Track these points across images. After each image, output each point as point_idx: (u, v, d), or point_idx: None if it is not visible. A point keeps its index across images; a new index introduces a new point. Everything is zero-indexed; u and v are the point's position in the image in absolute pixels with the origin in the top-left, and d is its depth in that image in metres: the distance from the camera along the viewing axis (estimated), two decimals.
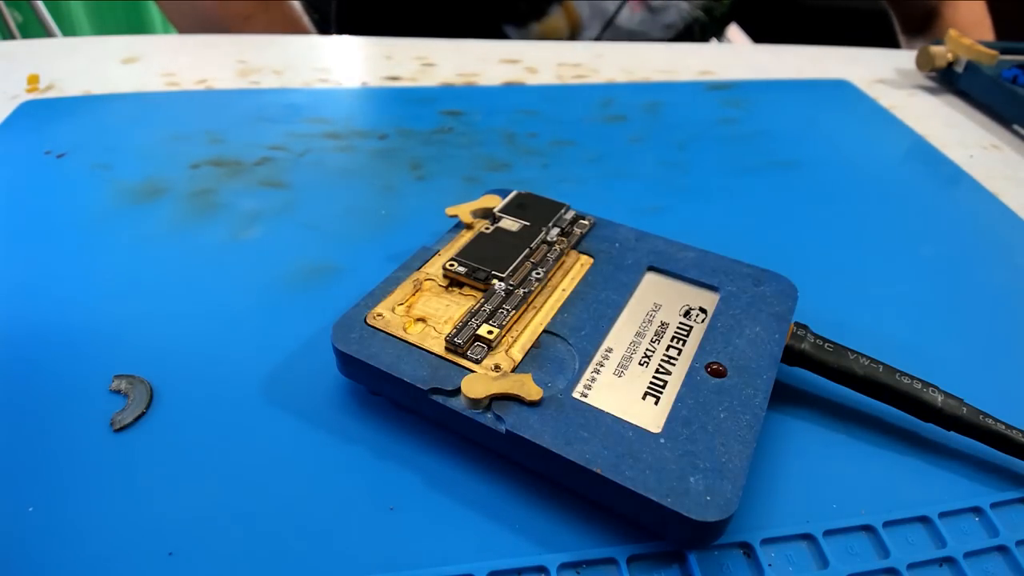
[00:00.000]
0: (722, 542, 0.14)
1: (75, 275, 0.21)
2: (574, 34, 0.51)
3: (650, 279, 0.19)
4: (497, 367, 0.16)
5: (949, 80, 0.37)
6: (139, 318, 0.19)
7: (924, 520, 0.15)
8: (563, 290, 0.18)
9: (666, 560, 0.14)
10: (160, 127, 0.29)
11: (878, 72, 0.39)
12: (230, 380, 0.17)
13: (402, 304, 0.17)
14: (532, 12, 0.50)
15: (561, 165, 0.28)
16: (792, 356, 0.17)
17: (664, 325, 0.18)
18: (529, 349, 0.16)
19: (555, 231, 0.20)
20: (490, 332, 0.16)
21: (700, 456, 0.14)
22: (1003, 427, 0.16)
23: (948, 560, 0.14)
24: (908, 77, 0.39)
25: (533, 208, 0.21)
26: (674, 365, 0.16)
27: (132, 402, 0.17)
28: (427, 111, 0.31)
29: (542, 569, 0.14)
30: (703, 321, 0.18)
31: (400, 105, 0.32)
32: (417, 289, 0.18)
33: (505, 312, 0.17)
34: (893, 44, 0.58)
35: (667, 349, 0.17)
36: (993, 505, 0.16)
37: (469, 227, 0.21)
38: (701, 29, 0.54)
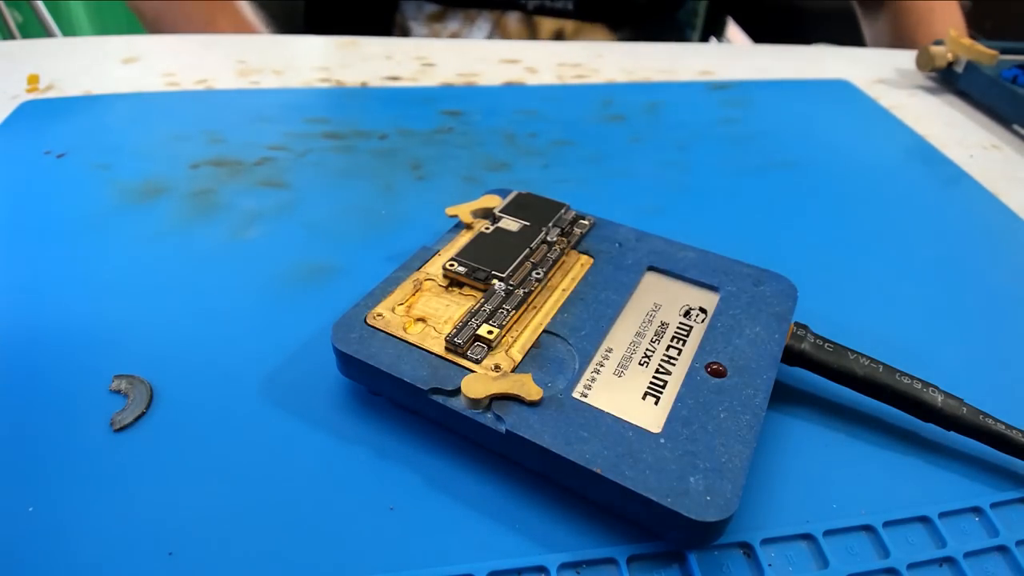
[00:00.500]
0: (722, 542, 0.14)
1: (75, 275, 0.21)
2: None
3: (650, 279, 0.19)
4: (497, 367, 0.16)
5: (949, 80, 0.37)
6: (139, 318, 0.19)
7: (924, 520, 0.15)
8: (563, 290, 0.18)
9: (666, 560, 0.14)
10: (160, 127, 0.29)
11: (878, 72, 0.39)
12: (230, 380, 0.17)
13: (402, 304, 0.17)
14: None
15: (561, 165, 0.28)
16: (792, 356, 0.17)
17: (664, 325, 0.18)
18: (529, 349, 0.16)
19: (555, 231, 0.20)
20: (490, 332, 0.16)
21: (700, 456, 0.14)
22: (1003, 427, 0.16)
23: (948, 560, 0.14)
24: (908, 77, 0.39)
25: (533, 208, 0.21)
26: (674, 365, 0.16)
27: (132, 402, 0.17)
28: (427, 111, 0.31)
29: (542, 569, 0.14)
30: (703, 321, 0.18)
31: (400, 105, 0.32)
32: (417, 289, 0.18)
33: (505, 312, 0.17)
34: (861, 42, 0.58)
35: (667, 349, 0.17)
36: (993, 505, 0.16)
37: (469, 227, 0.21)
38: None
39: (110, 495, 0.15)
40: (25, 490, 0.15)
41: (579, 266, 0.19)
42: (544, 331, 0.17)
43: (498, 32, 0.52)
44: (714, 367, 0.16)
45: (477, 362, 0.16)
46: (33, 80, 0.32)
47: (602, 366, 0.16)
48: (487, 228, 0.20)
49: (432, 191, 0.26)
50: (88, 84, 0.32)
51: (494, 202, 0.21)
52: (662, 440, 0.14)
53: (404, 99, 0.32)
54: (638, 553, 0.14)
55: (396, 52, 0.38)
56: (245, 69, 0.35)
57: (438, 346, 0.16)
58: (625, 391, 0.16)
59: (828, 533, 0.15)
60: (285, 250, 0.22)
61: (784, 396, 0.18)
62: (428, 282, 0.18)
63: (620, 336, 0.17)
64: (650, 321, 0.18)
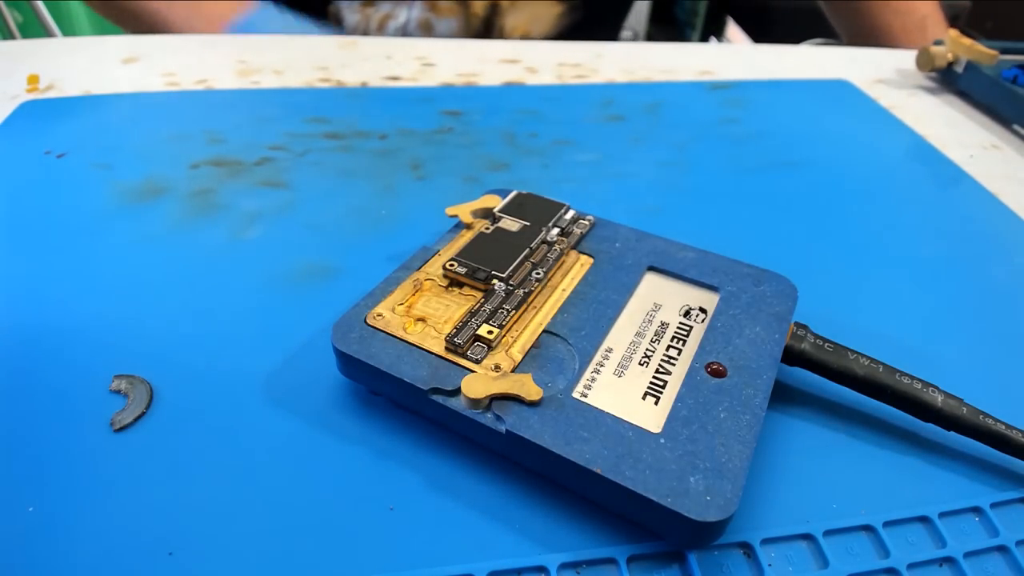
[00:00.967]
0: (722, 542, 0.14)
1: (75, 275, 0.21)
2: None
3: (650, 279, 0.19)
4: (497, 367, 0.16)
5: (949, 80, 0.37)
6: (139, 318, 0.19)
7: (924, 520, 0.15)
8: (563, 290, 0.18)
9: (666, 560, 0.14)
10: (160, 127, 0.29)
11: (878, 72, 0.39)
12: (230, 380, 0.17)
13: (402, 304, 0.17)
14: None
15: (561, 165, 0.28)
16: (792, 356, 0.17)
17: (664, 325, 0.18)
18: (529, 349, 0.16)
19: (555, 231, 0.20)
20: (490, 332, 0.16)
21: (700, 456, 0.14)
22: (1003, 427, 0.16)
23: (948, 560, 0.14)
24: (908, 77, 0.39)
25: (533, 208, 0.21)
26: (674, 365, 0.16)
27: (132, 402, 0.17)
28: (427, 111, 0.31)
29: (542, 569, 0.14)
30: (703, 321, 0.18)
31: (400, 105, 0.32)
32: (417, 289, 0.18)
33: (505, 312, 0.17)
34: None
35: (667, 349, 0.17)
36: (993, 505, 0.16)
37: (469, 227, 0.21)
38: None
39: (110, 495, 0.15)
40: (25, 490, 0.15)
41: (579, 266, 0.19)
42: (544, 331, 0.17)
43: (429, 9, 0.51)
44: (714, 367, 0.16)
45: (477, 362, 0.16)
46: (33, 80, 0.32)
47: (602, 366, 0.16)
48: (487, 228, 0.20)
49: (432, 191, 0.26)
50: (88, 84, 0.32)
51: (494, 202, 0.21)
52: (662, 440, 0.14)
53: (404, 99, 0.32)
54: (638, 553, 0.14)
55: (396, 52, 0.38)
56: (245, 69, 0.35)
57: (438, 346, 0.16)
58: (625, 391, 0.16)
59: (828, 533, 0.15)
60: (285, 250, 0.22)
61: (784, 396, 0.18)
62: (428, 282, 0.18)
63: (620, 336, 0.17)
64: (650, 321, 0.18)
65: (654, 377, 0.16)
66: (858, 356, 0.17)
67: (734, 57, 0.41)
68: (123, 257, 0.21)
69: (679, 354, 0.17)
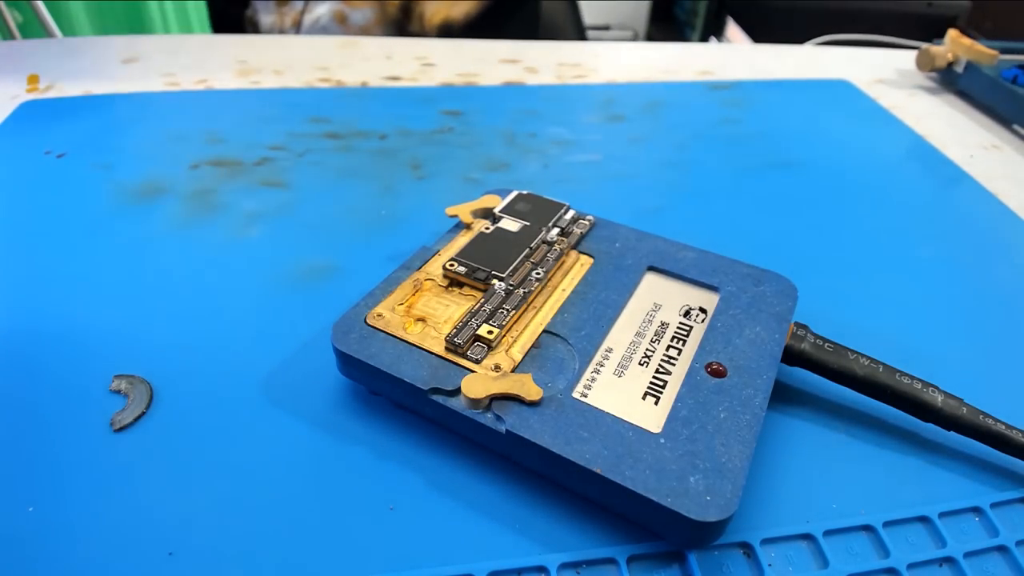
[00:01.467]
0: (722, 542, 0.14)
1: (75, 275, 0.21)
2: None
3: (650, 279, 0.19)
4: (497, 367, 0.16)
5: (949, 80, 0.37)
6: (139, 318, 0.19)
7: (924, 520, 0.15)
8: (563, 290, 0.18)
9: (666, 560, 0.14)
10: (160, 127, 0.29)
11: (878, 72, 0.39)
12: (230, 380, 0.17)
13: (402, 304, 0.17)
14: None
15: (561, 165, 0.28)
16: (792, 356, 0.17)
17: (664, 325, 0.18)
18: (529, 349, 0.16)
19: (555, 231, 0.20)
20: (490, 332, 0.16)
21: (700, 456, 0.14)
22: (1003, 427, 0.16)
23: (948, 560, 0.14)
24: (908, 77, 0.39)
25: (533, 208, 0.21)
26: (674, 365, 0.16)
27: (132, 402, 0.17)
28: (427, 111, 0.31)
29: (542, 569, 0.14)
30: (703, 321, 0.18)
31: (400, 105, 0.32)
32: (417, 289, 0.18)
33: (505, 312, 0.17)
34: None
35: (667, 349, 0.17)
36: (993, 505, 0.16)
37: (469, 227, 0.21)
38: None
39: (110, 495, 0.15)
40: (25, 490, 0.15)
41: (579, 266, 0.19)
42: (544, 331, 0.17)
43: (344, 2, 0.50)
44: (714, 367, 0.16)
45: (477, 362, 0.16)
46: (33, 80, 0.32)
47: (602, 366, 0.16)
48: (487, 228, 0.20)
49: (432, 191, 0.26)
50: (88, 84, 0.32)
51: (494, 202, 0.21)
52: (662, 440, 0.14)
53: (404, 99, 0.32)
54: (638, 553, 0.14)
55: (396, 52, 0.38)
56: (245, 69, 0.35)
57: (438, 346, 0.16)
58: (625, 391, 0.16)
59: (828, 533, 0.15)
60: (285, 250, 0.22)
61: (784, 396, 0.18)
62: (428, 282, 0.18)
63: (620, 336, 0.17)
64: (650, 321, 0.18)
65: (654, 377, 0.16)
66: (858, 356, 0.17)
67: (734, 57, 0.41)
68: (123, 257, 0.21)
69: (679, 354, 0.17)
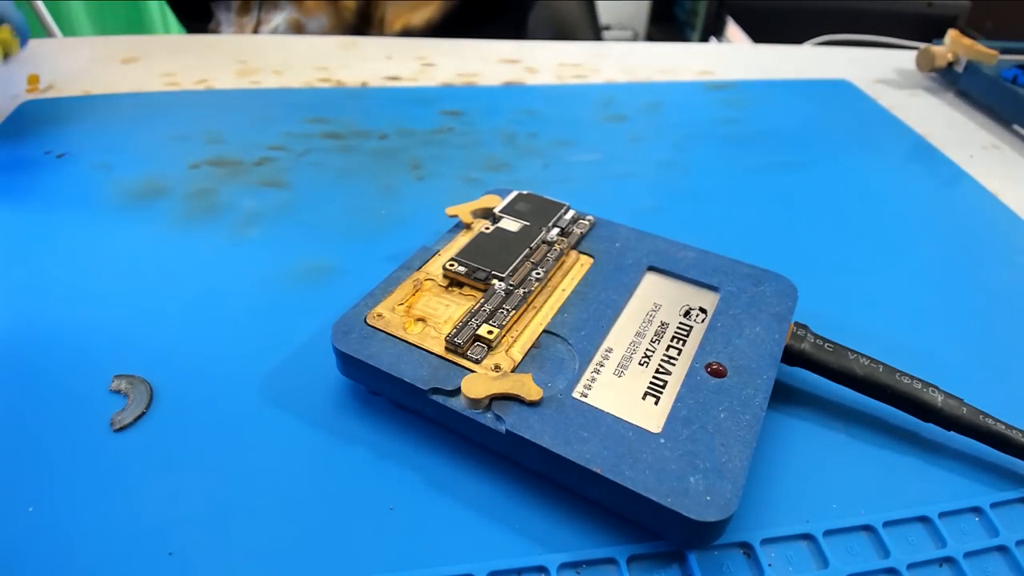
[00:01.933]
0: (722, 542, 0.14)
1: (75, 275, 0.21)
2: None
3: (650, 279, 0.19)
4: (497, 367, 0.16)
5: (949, 80, 0.37)
6: (139, 318, 0.19)
7: (924, 520, 0.15)
8: (563, 290, 0.18)
9: (666, 560, 0.14)
10: (160, 127, 0.29)
11: (878, 72, 0.39)
12: (230, 380, 0.17)
13: (402, 304, 0.17)
14: None
15: (561, 165, 0.28)
16: (792, 356, 0.17)
17: (664, 325, 0.18)
18: (529, 349, 0.16)
19: (555, 231, 0.20)
20: (490, 332, 0.16)
21: (700, 456, 0.14)
22: (1003, 427, 0.16)
23: (948, 560, 0.14)
24: (908, 77, 0.39)
25: (533, 208, 0.21)
26: (674, 365, 0.16)
27: (132, 402, 0.17)
28: (427, 111, 0.31)
29: (542, 569, 0.14)
30: (703, 321, 0.18)
31: (400, 105, 0.32)
32: (417, 289, 0.18)
33: (505, 312, 0.17)
34: None
35: (667, 349, 0.17)
36: (993, 505, 0.16)
37: (469, 227, 0.21)
38: None
39: (110, 495, 0.15)
40: (25, 490, 0.15)
41: (579, 266, 0.19)
42: (544, 331, 0.17)
43: (298, 10, 0.50)
44: (714, 367, 0.16)
45: (477, 362, 0.16)
46: (33, 80, 0.32)
47: (602, 366, 0.16)
48: (487, 228, 0.20)
49: (432, 191, 0.26)
50: (88, 84, 0.32)
51: (494, 202, 0.21)
52: (662, 440, 0.14)
53: (404, 99, 0.32)
54: (638, 553, 0.14)
55: (396, 52, 0.38)
56: (245, 69, 0.35)
57: (438, 346, 0.16)
58: (625, 391, 0.16)
59: (828, 533, 0.15)
60: (285, 250, 0.22)
61: (784, 396, 0.18)
62: (428, 282, 0.18)
63: (620, 336, 0.17)
64: (650, 321, 0.18)
65: (654, 377, 0.16)
66: (858, 356, 0.17)
67: (734, 57, 0.41)
68: (123, 257, 0.21)
69: (679, 354, 0.17)
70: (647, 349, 0.17)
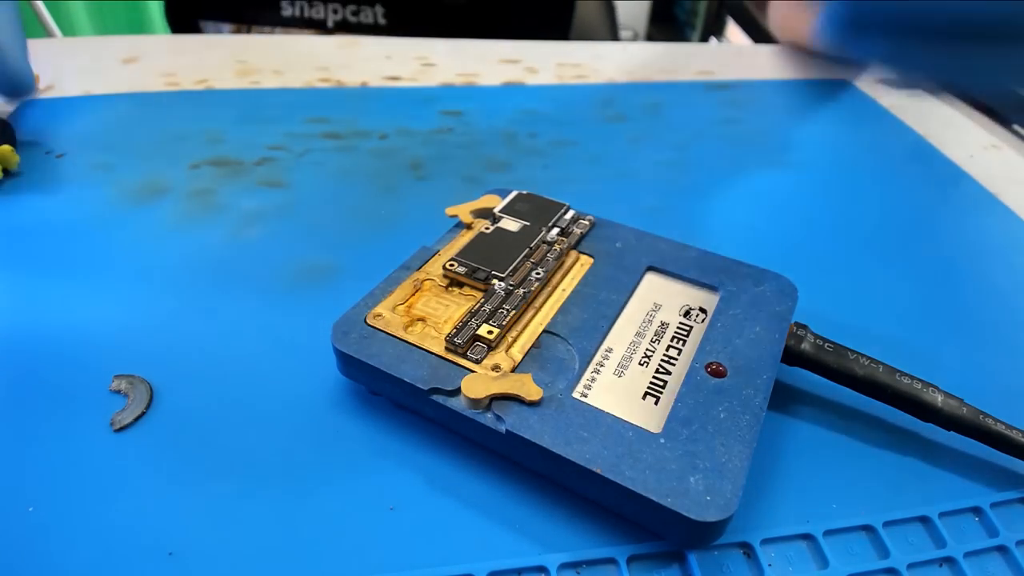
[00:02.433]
0: (722, 542, 0.14)
1: (75, 275, 0.21)
2: None
3: (650, 279, 0.19)
4: (497, 367, 0.16)
5: None
6: (139, 318, 0.19)
7: (924, 520, 0.15)
8: (563, 290, 0.18)
9: (666, 560, 0.14)
10: (160, 127, 0.29)
11: (878, 72, 0.39)
12: (230, 380, 0.17)
13: (402, 304, 0.17)
14: None
15: (561, 165, 0.28)
16: (792, 356, 0.17)
17: (664, 325, 0.18)
18: (529, 349, 0.16)
19: (555, 231, 0.20)
20: (490, 332, 0.16)
21: (700, 456, 0.14)
22: (1003, 427, 0.16)
23: (948, 560, 0.14)
24: None
25: (533, 208, 0.21)
26: (674, 365, 0.16)
27: (132, 402, 0.17)
28: (427, 111, 0.31)
29: (542, 569, 0.14)
30: (703, 321, 0.18)
31: (400, 105, 0.32)
32: (417, 289, 0.18)
33: (505, 312, 0.17)
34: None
35: (667, 349, 0.17)
36: (993, 505, 0.16)
37: (469, 227, 0.21)
38: None
39: (110, 495, 0.15)
40: (25, 490, 0.15)
41: (579, 266, 0.19)
42: (544, 331, 0.17)
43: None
44: (714, 367, 0.16)
45: (477, 362, 0.16)
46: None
47: (602, 366, 0.16)
48: (487, 228, 0.20)
49: (432, 191, 0.26)
50: (88, 84, 0.32)
51: (494, 202, 0.21)
52: (662, 440, 0.14)
53: (404, 99, 0.32)
54: (638, 553, 0.14)
55: (396, 52, 0.38)
56: (245, 69, 0.35)
57: (438, 346, 0.16)
58: (625, 391, 0.16)
59: (828, 533, 0.15)
60: (285, 250, 0.22)
61: (784, 396, 0.18)
62: (428, 282, 0.18)
63: (620, 336, 0.17)
64: (650, 321, 0.18)
65: (654, 377, 0.16)
66: (858, 356, 0.17)
67: (734, 57, 0.41)
68: (123, 257, 0.21)
69: (679, 354, 0.17)
70: (647, 349, 0.17)
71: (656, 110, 0.33)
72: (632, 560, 0.14)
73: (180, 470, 0.15)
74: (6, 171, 0.24)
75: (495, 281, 0.18)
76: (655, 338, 0.17)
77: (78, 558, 0.14)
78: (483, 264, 0.18)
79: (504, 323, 0.17)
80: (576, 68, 0.37)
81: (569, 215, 0.21)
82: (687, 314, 0.18)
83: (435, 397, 0.15)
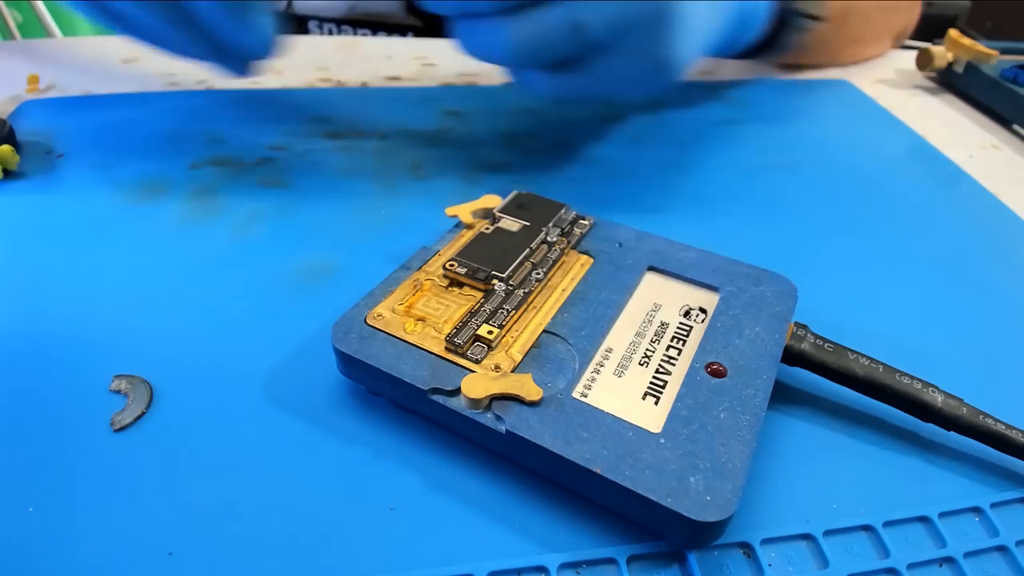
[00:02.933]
0: (722, 542, 0.14)
1: (75, 275, 0.21)
2: None
3: (650, 279, 0.19)
4: (497, 367, 0.16)
5: (949, 80, 0.37)
6: (139, 318, 0.19)
7: (924, 520, 0.15)
8: (563, 290, 0.18)
9: (666, 560, 0.14)
10: (160, 127, 0.29)
11: (878, 72, 0.39)
12: (230, 380, 0.17)
13: (402, 304, 0.17)
14: None
15: (561, 165, 0.28)
16: (792, 356, 0.17)
17: (664, 325, 0.18)
18: (529, 349, 0.16)
19: (555, 231, 0.20)
20: (490, 332, 0.16)
21: (700, 456, 0.14)
22: (1003, 427, 0.16)
23: (948, 560, 0.14)
24: (908, 77, 0.39)
25: (533, 208, 0.21)
26: (674, 365, 0.16)
27: (132, 402, 0.17)
28: (427, 111, 0.31)
29: (542, 569, 0.14)
30: (703, 321, 0.18)
31: (400, 105, 0.32)
32: (417, 289, 0.18)
33: (505, 312, 0.17)
34: None
35: (667, 349, 0.17)
36: (993, 505, 0.16)
37: (469, 227, 0.21)
38: None
39: (110, 495, 0.15)
40: (25, 490, 0.15)
41: (579, 266, 0.19)
42: (544, 331, 0.17)
43: None
44: (714, 367, 0.16)
45: (477, 362, 0.16)
46: (33, 80, 0.32)
47: (602, 366, 0.16)
48: (487, 228, 0.20)
49: (432, 191, 0.26)
50: (88, 84, 0.32)
51: (494, 202, 0.21)
52: (662, 440, 0.14)
53: (404, 99, 0.32)
54: (638, 553, 0.14)
55: (396, 52, 0.38)
56: None
57: (438, 346, 0.16)
58: (625, 391, 0.16)
59: (828, 533, 0.15)
60: (285, 250, 0.22)
61: (784, 396, 0.18)
62: (428, 282, 0.18)
63: (620, 336, 0.17)
64: (650, 321, 0.18)
65: (654, 377, 0.16)
66: (858, 356, 0.17)
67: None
68: (123, 257, 0.21)
69: (679, 354, 0.17)
70: (647, 349, 0.17)
71: (656, 110, 0.33)
72: (632, 560, 0.14)
73: (180, 470, 0.15)
74: (6, 171, 0.24)
75: (495, 281, 0.18)
76: (655, 338, 0.17)
77: (78, 558, 0.14)
78: (483, 264, 0.18)
79: (504, 323, 0.17)
80: None
81: (569, 215, 0.21)
82: (687, 314, 0.18)
83: (435, 397, 0.15)
